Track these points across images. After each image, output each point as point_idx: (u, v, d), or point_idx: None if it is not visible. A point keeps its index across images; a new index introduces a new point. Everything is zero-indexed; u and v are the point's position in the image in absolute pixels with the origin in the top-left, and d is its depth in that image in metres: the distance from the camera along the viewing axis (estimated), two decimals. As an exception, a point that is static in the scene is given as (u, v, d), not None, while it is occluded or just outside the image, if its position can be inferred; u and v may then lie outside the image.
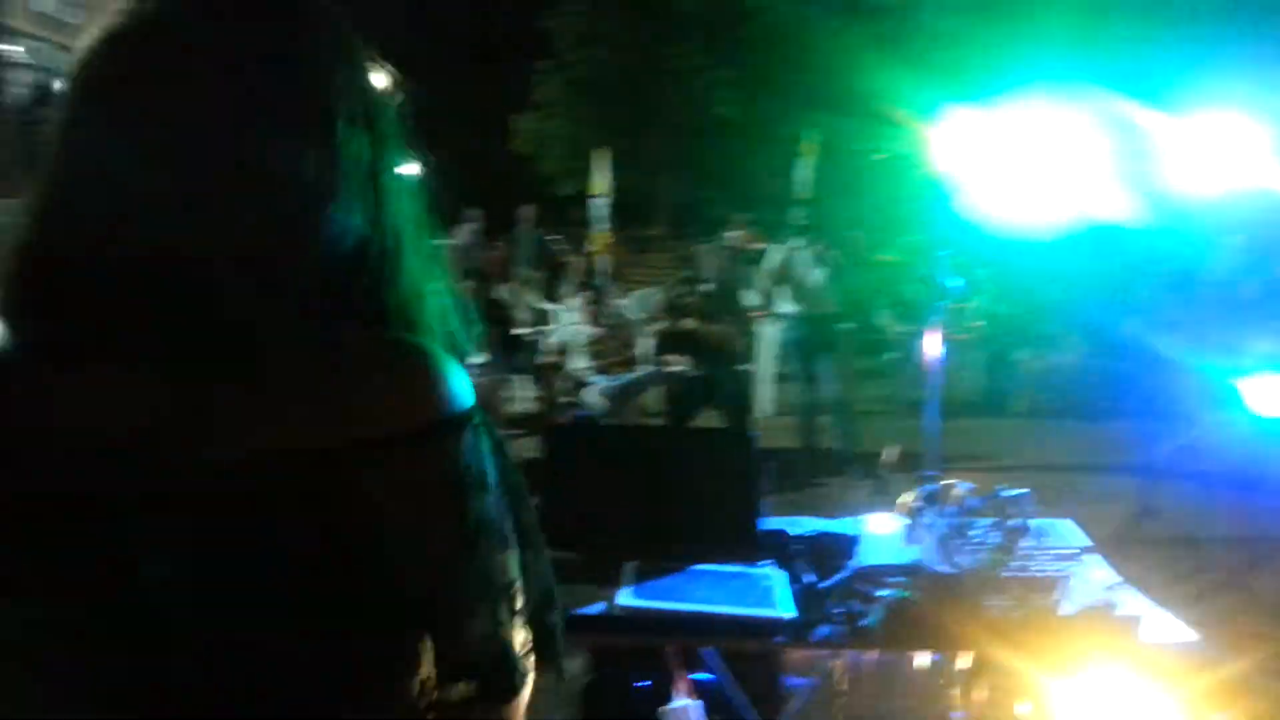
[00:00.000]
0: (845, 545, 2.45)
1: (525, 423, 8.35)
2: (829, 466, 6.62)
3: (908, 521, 2.46)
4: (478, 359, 7.19)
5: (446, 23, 22.43)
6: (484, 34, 23.46)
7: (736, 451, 2.51)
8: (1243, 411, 4.51)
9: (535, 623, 0.84)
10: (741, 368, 7.80)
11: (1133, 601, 2.21)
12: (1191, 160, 4.10)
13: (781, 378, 8.42)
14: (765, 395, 8.86)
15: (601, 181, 11.91)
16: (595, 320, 8.26)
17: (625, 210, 16.29)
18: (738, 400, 7.42)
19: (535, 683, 0.85)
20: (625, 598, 2.14)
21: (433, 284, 0.88)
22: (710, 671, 2.44)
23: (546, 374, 8.14)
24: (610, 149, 13.06)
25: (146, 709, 0.74)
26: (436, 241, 0.91)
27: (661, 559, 2.30)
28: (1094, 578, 2.29)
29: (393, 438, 0.75)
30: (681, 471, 2.47)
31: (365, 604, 0.76)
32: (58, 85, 11.64)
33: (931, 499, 2.48)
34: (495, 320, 10.12)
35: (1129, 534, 4.82)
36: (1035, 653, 2.09)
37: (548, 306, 12.43)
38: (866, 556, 2.43)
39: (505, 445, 0.86)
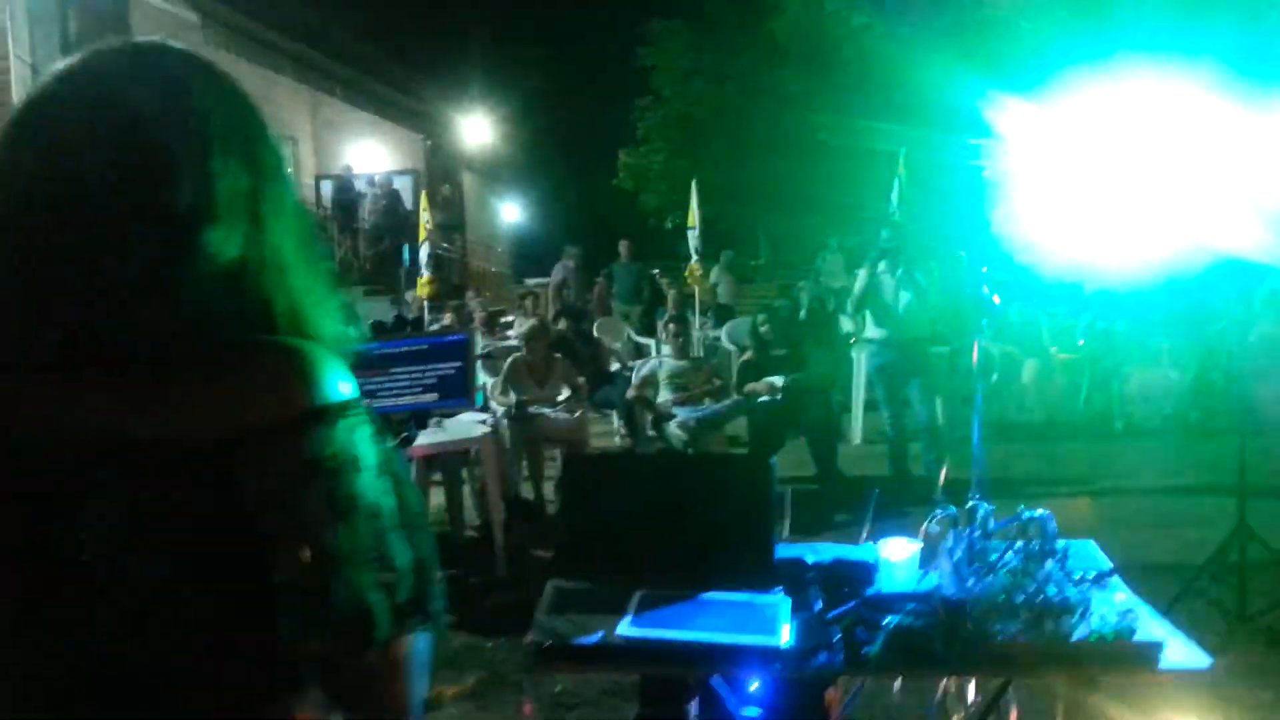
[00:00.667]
0: (862, 572, 2.42)
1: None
2: (917, 494, 6.47)
3: (925, 546, 2.41)
4: (563, 394, 7.35)
5: (552, 61, 22.97)
6: (588, 72, 23.95)
7: (755, 479, 2.50)
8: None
9: (414, 589, 0.92)
10: (828, 396, 7.71)
11: (1153, 627, 2.11)
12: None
13: (873, 405, 8.27)
14: (855, 423, 8.73)
15: (692, 213, 11.97)
16: (682, 352, 8.26)
17: (728, 241, 16.34)
18: (823, 429, 7.33)
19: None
20: (624, 627, 2.15)
21: (317, 294, 1.01)
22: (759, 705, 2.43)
23: (632, 408, 8.18)
24: (706, 180, 13.11)
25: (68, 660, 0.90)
26: (320, 256, 1.05)
27: (672, 587, 2.31)
28: (1115, 602, 2.19)
29: (272, 426, 0.88)
30: (697, 499, 2.48)
31: (251, 568, 0.88)
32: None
33: (950, 523, 2.42)
34: (588, 355, 10.27)
35: (1225, 556, 4.57)
36: (1047, 680, 2.02)
37: (642, 340, 12.54)
38: (884, 583, 2.39)
39: (386, 436, 0.96)
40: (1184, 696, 2.98)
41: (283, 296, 0.97)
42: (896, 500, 6.34)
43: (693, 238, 11.97)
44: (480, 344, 10.92)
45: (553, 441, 7.49)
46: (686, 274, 12.44)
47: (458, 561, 5.86)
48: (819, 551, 2.55)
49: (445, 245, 15.92)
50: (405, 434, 2.20)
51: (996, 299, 3.48)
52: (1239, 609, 4.42)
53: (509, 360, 7.79)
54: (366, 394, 2.16)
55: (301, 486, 0.88)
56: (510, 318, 12.58)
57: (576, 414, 7.50)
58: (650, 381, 7.99)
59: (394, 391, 2.22)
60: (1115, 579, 2.29)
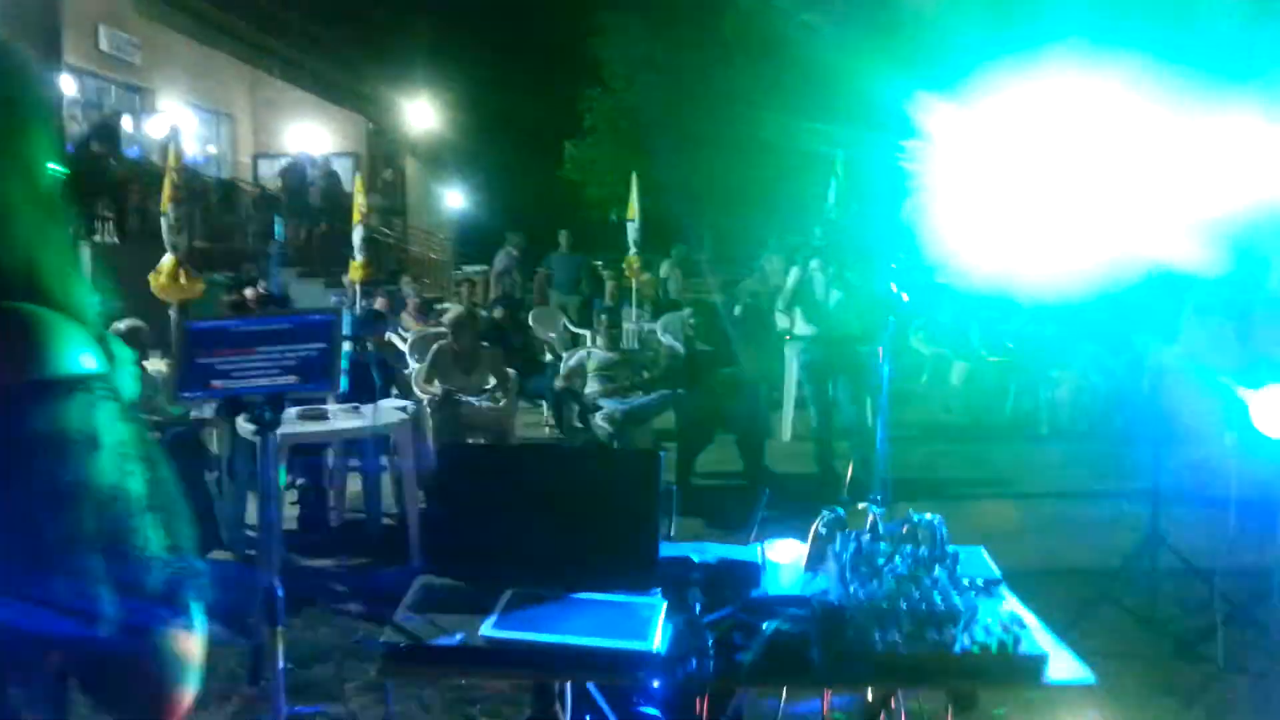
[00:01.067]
0: (748, 574, 2.31)
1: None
2: (839, 493, 6.43)
3: (811, 549, 2.31)
4: (489, 383, 7.23)
5: (501, 48, 22.67)
6: (537, 61, 23.66)
7: (640, 474, 2.38)
8: (1252, 431, 4.24)
9: (164, 580, 0.86)
10: (757, 391, 7.64)
11: (1039, 638, 2.03)
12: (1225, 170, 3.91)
13: (803, 403, 8.23)
14: (785, 420, 8.68)
15: (633, 206, 11.88)
16: (613, 344, 8.16)
17: (672, 236, 16.25)
18: (751, 425, 7.26)
19: None
20: (486, 628, 2.03)
21: (59, 259, 0.92)
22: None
23: (559, 398, 8.06)
24: (652, 174, 13.02)
25: None
26: (56, 216, 0.95)
27: (546, 587, 2.19)
28: (1002, 612, 2.11)
29: (22, 387, 0.80)
30: (579, 494, 2.35)
31: None
32: (113, 120, 11.91)
33: (838, 525, 2.33)
34: (520, 345, 10.13)
35: (1137, 563, 4.56)
36: (928, 690, 1.93)
37: (579, 331, 12.41)
38: (769, 586, 2.29)
39: (129, 414, 0.88)
40: (1086, 703, 2.94)
41: (14, 258, 0.88)
42: (819, 498, 6.30)
43: (632, 230, 11.89)
44: (412, 330, 10.75)
45: (477, 430, 7.36)
46: (624, 267, 12.36)
47: (373, 549, 5.70)
48: (704, 551, 2.44)
49: (384, 230, 15.65)
50: (259, 416, 2.04)
51: (905, 297, 3.41)
52: (1149, 615, 4.42)
53: (434, 347, 7.63)
54: (221, 374, 2.00)
55: (20, 466, 0.80)
56: (448, 305, 12.36)
57: (502, 403, 7.36)
58: (578, 372, 7.89)
59: (251, 372, 2.06)
60: (1003, 588, 2.21)
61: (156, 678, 0.87)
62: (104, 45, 14.09)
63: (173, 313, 8.57)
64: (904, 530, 2.26)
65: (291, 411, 5.92)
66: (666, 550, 2.37)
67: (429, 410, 7.17)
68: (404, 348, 9.46)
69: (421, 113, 19.12)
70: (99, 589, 0.81)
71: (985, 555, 2.38)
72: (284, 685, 2.41)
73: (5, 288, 0.86)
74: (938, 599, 2.06)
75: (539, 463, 2.51)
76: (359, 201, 11.45)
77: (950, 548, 2.22)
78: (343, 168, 17.08)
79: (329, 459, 6.65)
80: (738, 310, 10.27)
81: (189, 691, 0.89)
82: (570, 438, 7.57)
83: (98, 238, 12.89)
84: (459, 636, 2.02)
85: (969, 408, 9.67)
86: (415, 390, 7.37)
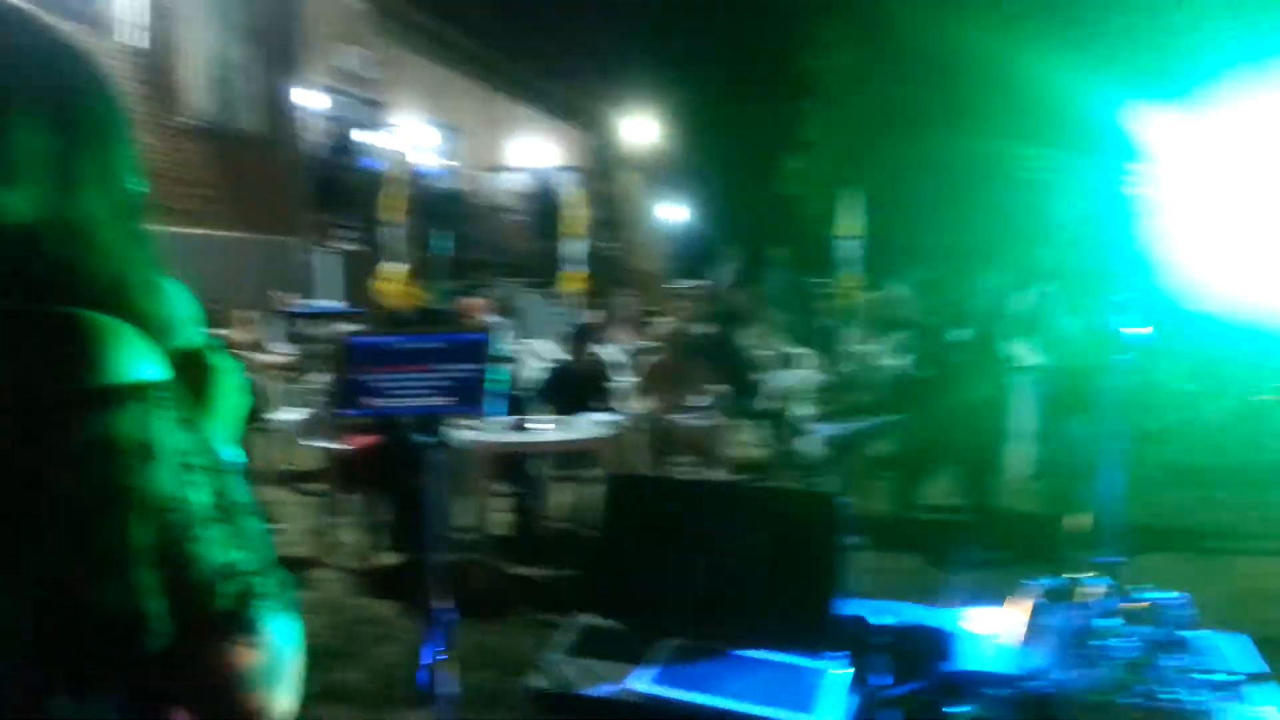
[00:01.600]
0: (942, 643, 2.02)
1: (752, 469, 8.08)
2: (1066, 549, 5.83)
3: (1024, 621, 1.99)
4: (703, 400, 7.11)
5: (719, 61, 22.64)
6: (755, 73, 23.43)
7: (819, 518, 2.13)
8: None
9: (232, 595, 0.85)
10: (985, 422, 7.13)
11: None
12: None
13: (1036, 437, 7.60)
14: (1015, 456, 8.05)
15: (851, 222, 11.47)
16: (828, 365, 7.85)
17: (893, 254, 15.66)
18: (977, 458, 6.76)
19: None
20: (640, 681, 1.84)
21: (138, 269, 0.94)
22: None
23: (770, 420, 7.82)
24: (870, 189, 12.59)
25: None
26: (142, 226, 0.97)
27: (710, 639, 1.99)
28: (1264, 716, 1.73)
29: (45, 404, 0.79)
30: (750, 537, 2.13)
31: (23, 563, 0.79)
32: (352, 134, 12.71)
33: (1057, 595, 2.00)
34: (733, 362, 9.95)
35: None
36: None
37: (792, 350, 12.10)
38: (967, 660, 1.99)
39: (196, 426, 0.88)
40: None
41: (92, 267, 0.90)
42: (1041, 555, 5.75)
43: (849, 248, 11.49)
44: (629, 345, 10.80)
45: (685, 448, 7.26)
46: (842, 285, 11.97)
47: (578, 561, 5.66)
48: (892, 611, 2.16)
49: (603, 243, 15.91)
50: (412, 440, 1.96)
51: (1149, 329, 2.97)
52: None
53: (645, 362, 7.60)
54: (376, 391, 1.92)
55: (70, 473, 0.79)
56: (668, 319, 12.38)
57: (712, 422, 7.23)
58: (791, 393, 7.64)
59: (404, 392, 1.97)
60: (1272, 688, 1.81)
61: (223, 690, 0.85)
62: (348, 64, 15.05)
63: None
64: (1139, 606, 1.90)
65: (498, 421, 6.02)
66: (847, 608, 2.10)
67: (638, 426, 7.14)
68: (621, 360, 9.51)
69: (641, 127, 19.35)
70: (150, 600, 0.80)
71: (1248, 645, 1.97)
72: (456, 699, 2.32)
73: (87, 297, 0.87)
74: (1173, 696, 1.71)
75: (710, 500, 2.31)
76: (579, 215, 11.65)
77: (1198, 632, 1.85)
78: (565, 181, 17.51)
79: (539, 469, 6.73)
80: (962, 334, 9.71)
81: (264, 702, 0.87)
82: (781, 461, 7.34)
83: (338, 247, 13.78)
84: (610, 688, 1.85)
85: (1231, 449, 8.66)
86: (625, 405, 7.35)
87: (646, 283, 17.41)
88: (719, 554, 2.11)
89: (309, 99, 13.47)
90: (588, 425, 6.16)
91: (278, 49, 12.47)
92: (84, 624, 0.80)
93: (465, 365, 1.93)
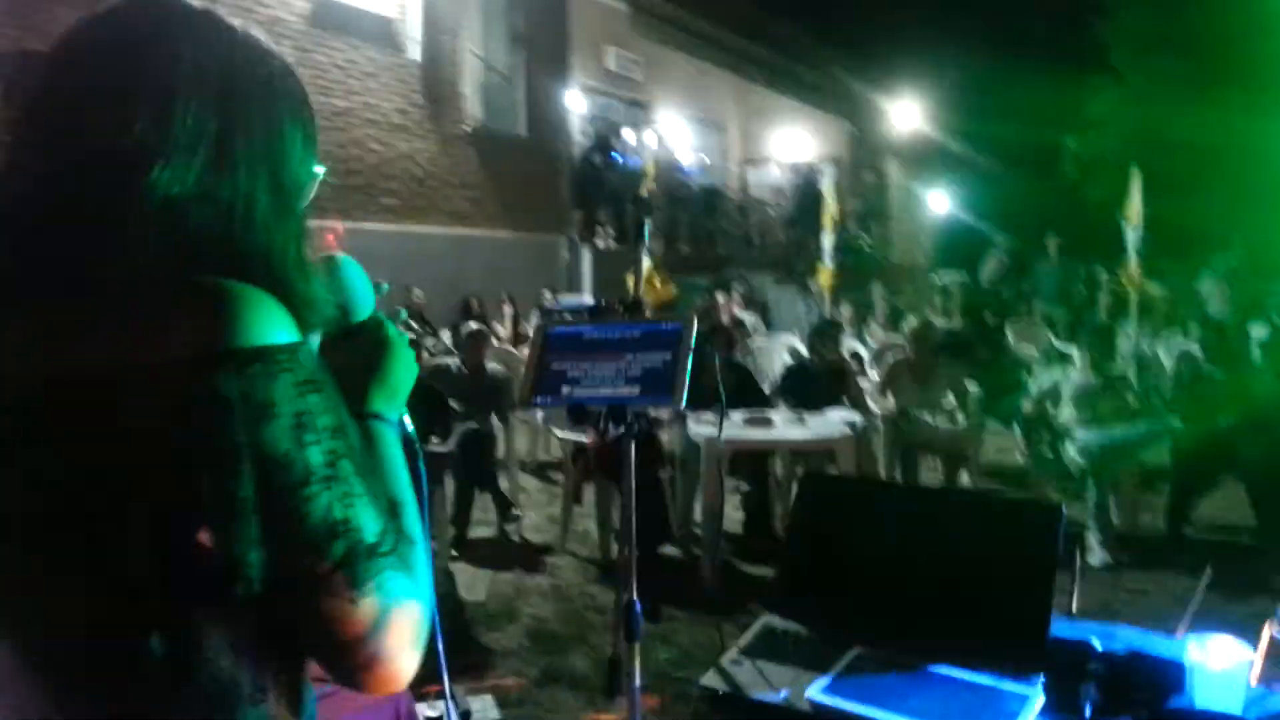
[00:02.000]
0: (1167, 676, 1.79)
1: (1005, 476, 7.64)
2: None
3: (1267, 657, 1.74)
4: (947, 400, 6.76)
5: (992, 39, 21.41)
6: (1032, 49, 21.95)
7: (1037, 530, 1.95)
8: None
9: (338, 552, 0.88)
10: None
11: None
12: None
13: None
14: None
15: (1138, 208, 10.52)
16: (1097, 365, 7.23)
17: (1189, 243, 14.28)
18: (1268, 472, 6.03)
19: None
20: (815, 690, 1.76)
21: (284, 243, 0.99)
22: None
23: (1031, 424, 7.32)
24: (1157, 171, 11.52)
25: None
26: (296, 206, 1.03)
27: (900, 652, 1.87)
28: None
29: (173, 361, 0.85)
30: (958, 547, 1.99)
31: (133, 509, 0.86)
32: (610, 133, 13.11)
33: (1310, 630, 1.73)
34: (990, 360, 9.44)
35: None
36: None
37: (1060, 347, 11.29)
38: (1196, 696, 1.76)
39: (324, 389, 0.92)
40: None
41: (241, 241, 0.95)
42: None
43: (1133, 234, 10.56)
44: (877, 340, 10.50)
45: (931, 451, 6.97)
46: (1123, 276, 11.02)
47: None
48: (1113, 636, 1.94)
49: (861, 235, 15.53)
50: (602, 428, 1.97)
51: None
52: None
53: (891, 360, 7.34)
54: (571, 380, 1.95)
55: (189, 426, 0.84)
56: (913, 316, 11.94)
57: (961, 423, 6.89)
58: (1053, 395, 7.10)
59: (597, 381, 1.99)
60: None
61: (337, 644, 0.89)
62: (610, 65, 15.53)
63: (647, 315, 9.20)
64: None
65: (736, 416, 6.01)
66: (1062, 630, 1.92)
67: (881, 426, 6.91)
68: (866, 357, 9.27)
69: (905, 113, 18.66)
70: (250, 551, 0.85)
71: None
72: (639, 700, 2.32)
73: (233, 267, 0.92)
74: None
75: (914, 506, 2.18)
76: (830, 206, 11.44)
77: None
78: (824, 173, 17.23)
79: (777, 466, 6.65)
80: (1260, 332, 8.70)
81: (379, 657, 0.90)
82: (1040, 468, 6.86)
83: (599, 243, 14.25)
84: (783, 694, 1.78)
85: None
86: (869, 404, 7.14)
87: (907, 275, 16.83)
88: (923, 563, 1.98)
89: (573, 100, 14.02)
90: (826, 424, 6.02)
91: (544, 54, 13.06)
92: (184, 568, 0.86)
93: (659, 355, 1.93)
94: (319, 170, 1.07)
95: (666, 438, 6.49)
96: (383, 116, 10.83)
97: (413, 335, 8.85)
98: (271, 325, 0.90)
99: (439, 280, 10.38)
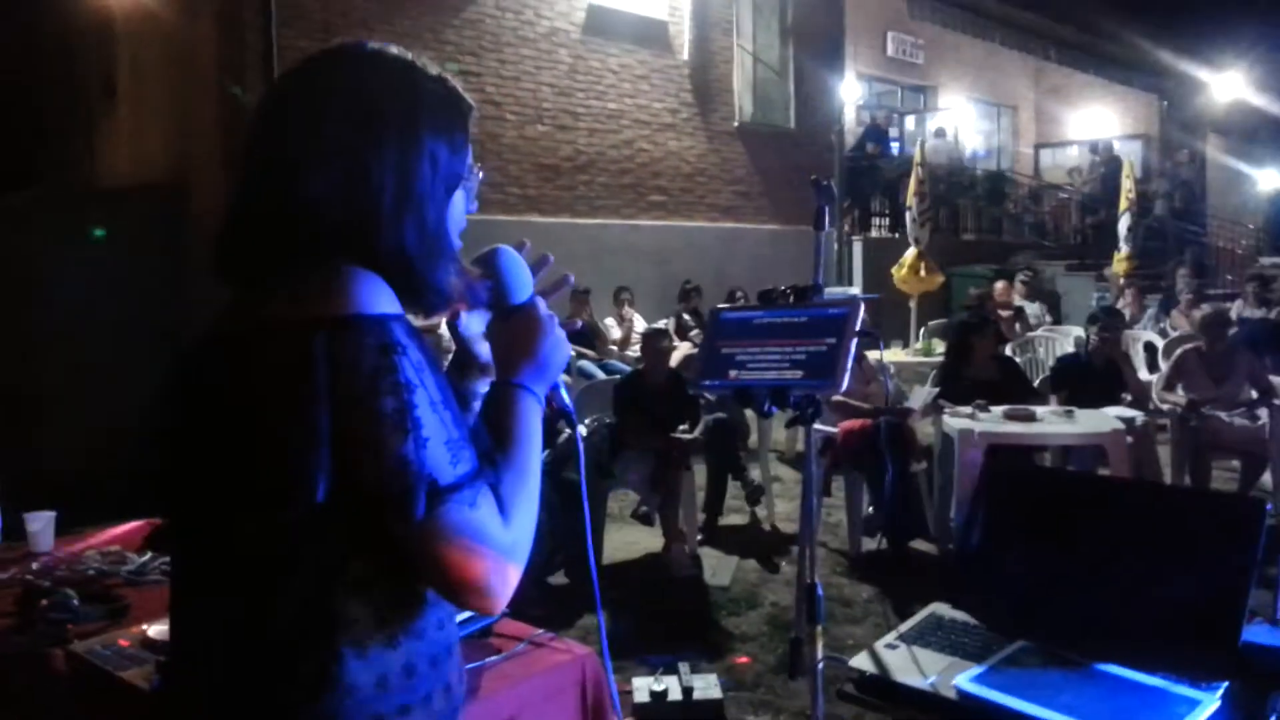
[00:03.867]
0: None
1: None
2: None
3: None
4: (1246, 395, 6.04)
5: None
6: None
7: (1234, 525, 1.79)
8: None
9: (395, 485, 1.04)
10: None
11: None
12: None
13: None
14: None
15: None
16: None
17: None
18: None
19: None
20: (964, 679, 1.72)
21: (421, 241, 1.17)
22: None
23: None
24: None
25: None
26: (436, 205, 1.19)
27: (1068, 647, 1.79)
28: None
29: (291, 323, 1.05)
30: (1144, 541, 1.86)
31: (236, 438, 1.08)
32: (885, 121, 12.80)
33: None
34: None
35: None
36: None
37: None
38: None
39: (407, 353, 1.07)
40: None
41: (373, 235, 1.13)
42: None
43: None
44: (1174, 332, 9.60)
45: (1225, 451, 6.33)
46: None
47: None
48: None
49: (1169, 218, 14.21)
50: (765, 410, 2.01)
51: None
52: None
53: (1178, 351, 6.74)
54: (739, 364, 2.05)
55: (286, 374, 1.04)
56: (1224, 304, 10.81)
57: (1262, 421, 6.22)
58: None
59: (763, 365, 2.04)
60: None
61: (431, 566, 1.06)
62: (890, 50, 15.13)
63: (912, 305, 8.91)
64: None
65: (997, 410, 5.74)
66: (1259, 635, 1.76)
67: (1166, 422, 6.37)
68: (1154, 348, 8.54)
69: (1228, 84, 16.80)
70: (311, 476, 1.03)
71: None
72: (821, 682, 2.35)
73: (364, 257, 1.12)
74: None
75: (1101, 496, 2.04)
76: (1126, 187, 10.59)
77: None
78: (1130, 151, 15.90)
79: (1045, 462, 6.29)
80: None
81: (450, 587, 1.08)
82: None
83: (874, 233, 13.96)
84: (931, 679, 1.76)
85: None
86: (1153, 399, 6.59)
87: (1228, 260, 15.20)
88: (1105, 556, 1.87)
89: (847, 89, 13.82)
90: (1097, 420, 5.62)
91: (816, 44, 12.95)
92: (257, 481, 1.06)
93: (824, 340, 1.94)
94: (479, 172, 1.28)
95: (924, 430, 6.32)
96: (653, 117, 11.20)
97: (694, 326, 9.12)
98: (369, 300, 1.07)
99: (706, 273, 10.61)
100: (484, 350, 1.34)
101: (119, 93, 10.47)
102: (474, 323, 1.34)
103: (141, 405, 1.23)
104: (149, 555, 2.70)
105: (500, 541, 1.08)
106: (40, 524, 2.86)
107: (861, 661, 1.86)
